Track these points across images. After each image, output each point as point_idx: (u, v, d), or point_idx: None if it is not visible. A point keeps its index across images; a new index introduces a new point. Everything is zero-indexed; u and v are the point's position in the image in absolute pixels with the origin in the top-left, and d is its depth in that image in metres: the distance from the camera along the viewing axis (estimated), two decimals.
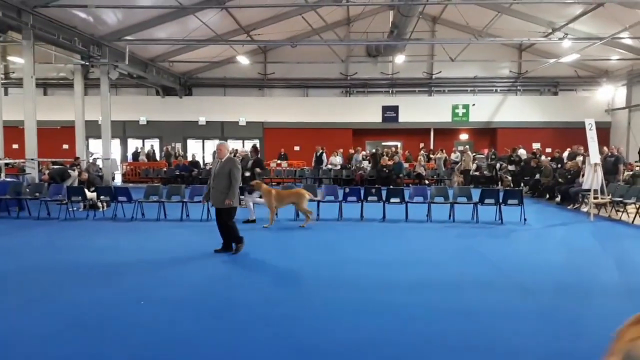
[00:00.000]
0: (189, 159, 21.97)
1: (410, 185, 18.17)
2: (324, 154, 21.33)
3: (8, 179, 13.88)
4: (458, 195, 12.00)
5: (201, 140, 26.17)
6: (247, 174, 11.30)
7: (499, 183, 18.95)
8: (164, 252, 7.85)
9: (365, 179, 19.43)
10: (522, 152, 20.00)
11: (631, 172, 16.02)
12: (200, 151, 25.79)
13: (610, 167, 13.67)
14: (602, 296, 5.75)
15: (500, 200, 11.13)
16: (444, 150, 22.62)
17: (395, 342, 4.27)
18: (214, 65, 24.74)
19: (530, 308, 5.22)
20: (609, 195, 12.19)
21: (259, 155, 13.07)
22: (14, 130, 17.92)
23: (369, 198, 11.63)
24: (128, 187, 12.39)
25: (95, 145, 22.47)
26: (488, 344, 4.24)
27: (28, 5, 14.07)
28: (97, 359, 3.91)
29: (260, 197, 10.69)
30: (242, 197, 10.69)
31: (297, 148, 24.41)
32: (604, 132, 21.90)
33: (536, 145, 22.06)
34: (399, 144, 25.21)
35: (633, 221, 11.00)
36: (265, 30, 20.69)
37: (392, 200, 11.50)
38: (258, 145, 19.93)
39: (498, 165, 19.96)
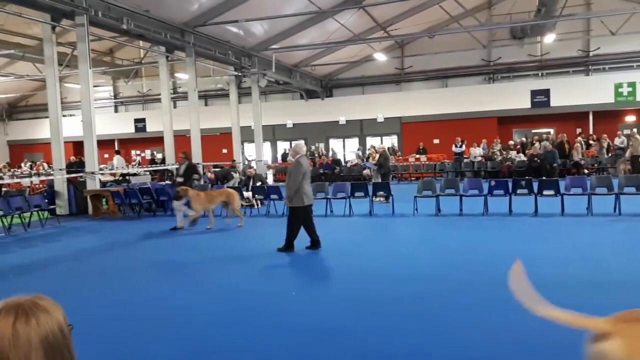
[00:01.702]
0: (330, 157, 22.91)
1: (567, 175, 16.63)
2: (464, 146, 20.60)
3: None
4: (625, 185, 10.69)
5: (342, 139, 27.03)
6: (180, 179, 10.90)
7: None
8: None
9: (514, 170, 18.28)
10: None
11: None
12: (341, 150, 26.65)
13: None
14: None
15: None
16: (605, 136, 20.23)
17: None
18: (353, 65, 25.36)
19: None
20: None
21: (192, 161, 12.16)
22: (182, 139, 20.44)
23: (519, 191, 10.96)
24: (279, 186, 13.33)
25: (249, 149, 24.61)
26: None
27: (189, 26, 15.98)
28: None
29: (188, 203, 10.30)
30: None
31: (436, 141, 23.86)
32: None
33: None
34: (551, 131, 23.17)
35: None
36: (401, 24, 20.62)
37: (545, 192, 10.70)
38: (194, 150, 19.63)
39: None
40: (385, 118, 25.19)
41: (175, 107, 26.25)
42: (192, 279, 6.68)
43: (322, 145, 26.22)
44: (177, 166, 12.75)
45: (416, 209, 11.15)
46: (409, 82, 25.60)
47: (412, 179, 20.48)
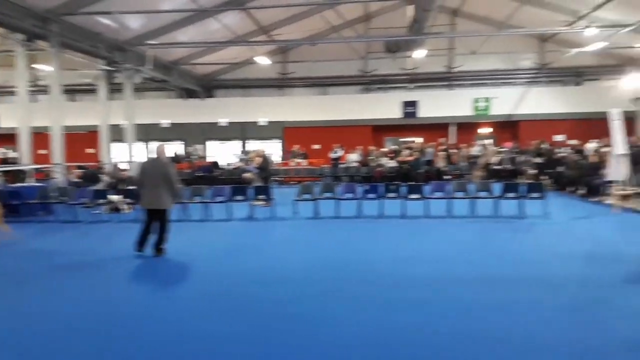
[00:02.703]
0: (209, 159, 22.33)
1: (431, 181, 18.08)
2: (341, 152, 21.47)
3: (36, 184, 14.34)
4: (479, 190, 11.93)
5: (222, 142, 26.50)
6: None
7: (521, 176, 18.67)
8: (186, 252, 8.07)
9: (385, 175, 19.40)
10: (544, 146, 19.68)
11: None
12: (221, 152, 26.11)
13: (636, 158, 13.36)
14: (628, 287, 5.70)
15: (523, 194, 11.02)
16: (465, 146, 22.39)
17: (428, 337, 4.33)
18: (235, 67, 25.04)
19: (557, 302, 5.20)
20: (635, 186, 11.94)
21: None
22: (42, 136, 18.47)
23: (389, 195, 11.67)
24: None
25: (120, 149, 23.00)
26: (518, 338, 4.26)
27: (55, 14, 14.51)
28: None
29: None
30: None
31: (317, 146, 24.49)
32: (629, 122, 21.32)
33: (559, 138, 21.64)
34: (419, 140, 25.07)
35: None
36: (284, 30, 20.84)
37: (411, 196, 11.52)
38: None
39: (520, 159, 19.67)
40: (267, 122, 25.24)
41: (36, 101, 23.68)
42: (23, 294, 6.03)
43: (200, 147, 25.47)
44: None
45: (296, 212, 11.34)
46: (291, 87, 25.96)
47: (293, 182, 20.78)
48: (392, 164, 20.09)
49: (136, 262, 7.42)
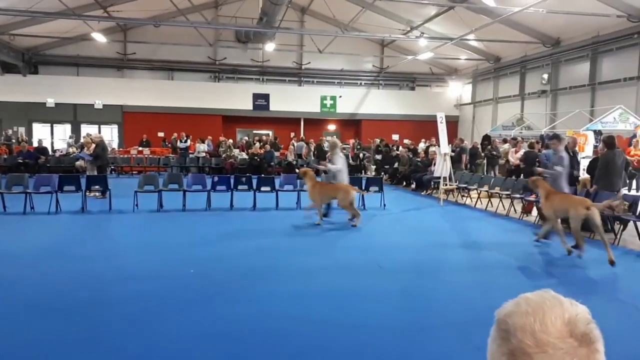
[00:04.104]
0: (35, 144, 19.55)
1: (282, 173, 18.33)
2: (189, 141, 20.64)
3: None
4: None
5: (49, 125, 23.47)
6: None
7: (363, 171, 19.98)
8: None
9: (236, 167, 19.14)
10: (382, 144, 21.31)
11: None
12: (49, 136, 23.15)
13: (456, 157, 15.18)
14: (450, 272, 6.35)
15: (363, 188, 11.72)
16: (312, 140, 23.16)
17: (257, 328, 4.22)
18: (65, 42, 22.27)
19: (390, 287, 5.55)
20: (456, 182, 13.54)
21: None
22: None
23: (239, 187, 11.46)
24: None
25: None
26: (352, 321, 4.41)
27: None
28: None
29: None
30: None
31: (161, 134, 23.10)
32: (453, 125, 24.24)
33: (395, 137, 23.65)
34: (270, 133, 25.26)
35: (475, 204, 12.35)
36: (125, 7, 19.15)
37: (262, 188, 11.48)
38: None
39: (361, 155, 21.02)
40: (104, 105, 23.00)
41: None
42: None
43: (22, 130, 22.19)
44: None
45: (136, 205, 10.49)
46: (132, 69, 24.06)
47: (134, 172, 19.30)
48: (243, 155, 19.93)
49: None
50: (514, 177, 12.71)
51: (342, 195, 9.23)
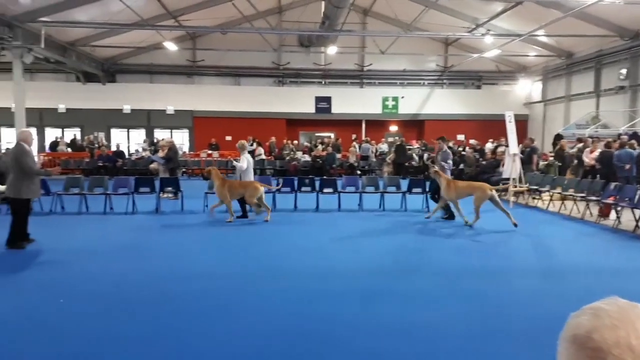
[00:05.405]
0: (113, 148, 20.87)
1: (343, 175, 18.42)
2: (254, 144, 21.17)
3: None
4: (388, 184, 12.31)
5: (126, 130, 24.97)
6: None
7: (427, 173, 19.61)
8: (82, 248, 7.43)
9: (299, 169, 19.45)
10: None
11: (546, 162, 17.15)
12: (125, 141, 24.61)
13: (526, 157, 14.56)
14: (524, 278, 6.13)
15: (427, 190, 11.54)
16: (374, 142, 23.06)
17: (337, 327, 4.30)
18: (140, 51, 23.63)
19: (451, 291, 5.46)
20: (526, 183, 13.00)
21: None
22: None
23: (303, 188, 11.66)
24: (46, 179, 11.56)
25: (9, 135, 20.82)
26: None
27: None
28: None
29: None
30: None
31: (228, 138, 23.89)
32: (522, 124, 23.28)
33: (461, 137, 23.06)
34: (332, 135, 25.44)
35: (547, 207, 11.81)
36: (193, 15, 19.99)
37: (325, 190, 11.60)
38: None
39: (425, 156, 20.65)
40: (175, 110, 24.15)
41: None
42: None
43: (102, 135, 23.76)
44: None
45: (206, 205, 10.94)
46: (201, 75, 25.07)
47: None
48: (306, 158, 20.22)
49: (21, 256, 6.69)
50: (589, 178, 12.03)
51: (250, 192, 9.85)
